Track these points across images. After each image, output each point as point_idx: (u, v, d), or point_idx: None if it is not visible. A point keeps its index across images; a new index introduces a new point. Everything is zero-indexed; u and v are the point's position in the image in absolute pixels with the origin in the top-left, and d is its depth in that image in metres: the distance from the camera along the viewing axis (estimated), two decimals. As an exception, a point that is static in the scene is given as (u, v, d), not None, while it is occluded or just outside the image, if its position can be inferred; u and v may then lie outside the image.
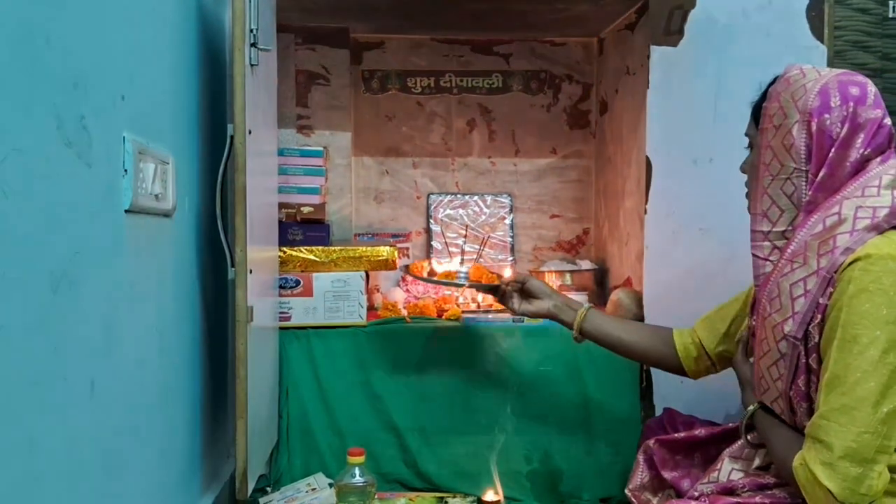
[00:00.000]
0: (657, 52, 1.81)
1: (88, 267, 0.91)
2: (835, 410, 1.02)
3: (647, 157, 1.83)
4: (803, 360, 1.11)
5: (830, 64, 1.82)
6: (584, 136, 2.41)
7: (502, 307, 1.92)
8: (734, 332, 1.41)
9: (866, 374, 1.01)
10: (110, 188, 0.99)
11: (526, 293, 1.58)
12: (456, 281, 1.72)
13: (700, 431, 1.44)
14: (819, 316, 1.08)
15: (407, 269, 1.79)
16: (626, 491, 1.49)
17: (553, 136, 2.41)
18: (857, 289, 1.03)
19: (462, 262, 2.23)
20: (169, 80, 1.27)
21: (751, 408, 1.25)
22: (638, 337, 1.52)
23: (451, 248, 2.31)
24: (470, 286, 1.72)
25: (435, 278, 1.73)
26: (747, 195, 1.26)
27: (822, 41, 1.82)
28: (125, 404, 1.04)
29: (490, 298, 2.08)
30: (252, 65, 1.39)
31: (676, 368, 1.50)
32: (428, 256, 2.34)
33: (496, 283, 1.63)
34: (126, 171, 1.02)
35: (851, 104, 1.11)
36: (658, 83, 1.81)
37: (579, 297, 2.03)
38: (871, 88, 1.13)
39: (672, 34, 1.80)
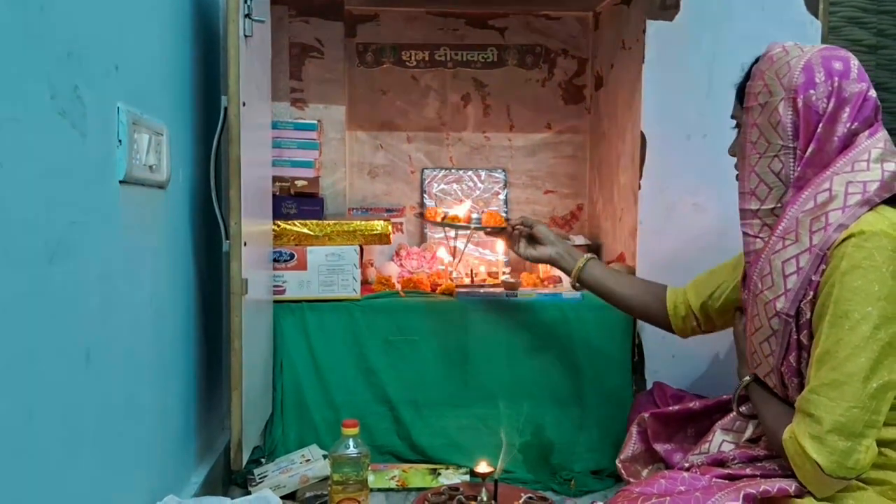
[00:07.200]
0: (653, 26, 1.80)
1: (84, 237, 0.91)
2: (825, 385, 1.04)
3: (642, 133, 1.82)
4: (794, 337, 1.12)
5: (825, 40, 1.81)
6: (578, 111, 2.40)
7: (496, 281, 1.94)
8: (718, 296, 1.44)
9: (857, 349, 1.02)
10: (105, 159, 0.98)
11: (532, 238, 1.64)
12: (468, 225, 1.78)
13: (694, 403, 1.46)
14: (811, 293, 1.09)
15: (422, 214, 1.88)
16: (617, 462, 1.52)
17: (548, 111, 2.40)
18: (849, 265, 1.03)
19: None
20: (163, 51, 1.26)
21: (745, 378, 1.27)
22: (632, 291, 1.57)
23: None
24: (477, 229, 1.77)
25: (447, 221, 1.79)
26: (738, 177, 1.26)
27: (816, 17, 1.81)
28: (121, 375, 1.05)
29: (486, 280, 2.10)
30: (246, 36, 1.38)
31: (665, 325, 1.54)
32: (422, 231, 2.34)
33: (504, 225, 1.69)
34: (120, 141, 1.02)
35: (836, 79, 1.11)
36: (653, 58, 1.81)
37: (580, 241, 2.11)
38: (854, 62, 1.13)
39: (667, 8, 1.79)
